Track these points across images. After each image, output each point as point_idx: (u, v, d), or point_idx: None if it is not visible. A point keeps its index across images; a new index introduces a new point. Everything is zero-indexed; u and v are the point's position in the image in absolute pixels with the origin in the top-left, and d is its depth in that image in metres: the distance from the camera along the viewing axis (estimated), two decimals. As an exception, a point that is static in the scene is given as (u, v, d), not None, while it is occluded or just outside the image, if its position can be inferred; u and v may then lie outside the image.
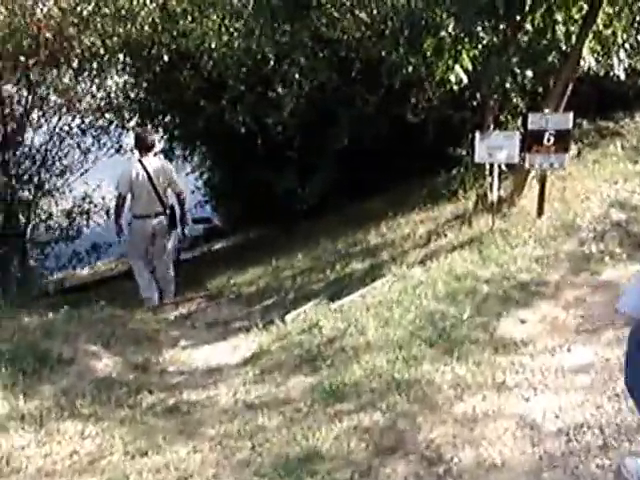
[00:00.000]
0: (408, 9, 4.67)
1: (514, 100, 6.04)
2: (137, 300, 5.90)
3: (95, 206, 7.96)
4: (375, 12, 5.02)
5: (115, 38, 6.14)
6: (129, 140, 8.13)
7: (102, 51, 6.18)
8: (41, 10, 5.34)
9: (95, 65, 6.67)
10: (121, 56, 7.16)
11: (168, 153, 8.67)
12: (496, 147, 5.12)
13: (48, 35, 5.56)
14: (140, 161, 5.43)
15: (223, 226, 13.24)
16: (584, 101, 6.08)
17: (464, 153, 6.14)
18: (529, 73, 4.79)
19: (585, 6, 4.75)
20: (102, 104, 7.70)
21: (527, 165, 5.12)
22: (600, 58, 5.22)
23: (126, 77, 7.92)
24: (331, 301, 4.46)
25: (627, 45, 5.15)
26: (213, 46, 6.41)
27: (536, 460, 2.38)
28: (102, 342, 3.72)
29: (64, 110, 7.07)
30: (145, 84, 7.90)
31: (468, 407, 2.73)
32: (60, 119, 7.38)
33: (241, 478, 2.44)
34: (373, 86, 6.27)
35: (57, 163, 7.65)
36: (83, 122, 7.76)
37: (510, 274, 4.16)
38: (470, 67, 4.92)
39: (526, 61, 5.06)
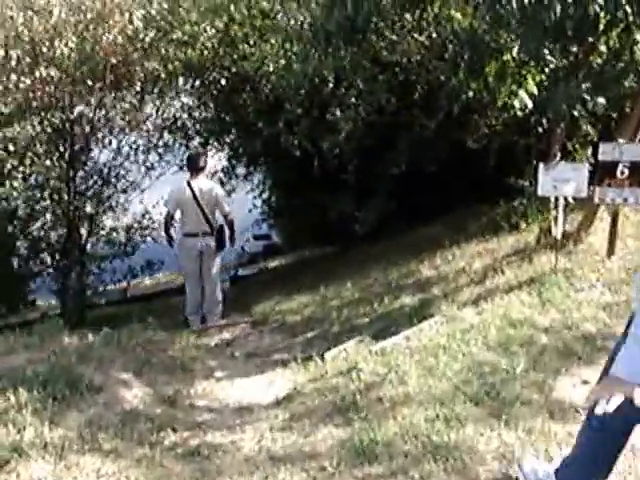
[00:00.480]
0: (470, 31, 4.40)
1: (584, 128, 5.63)
2: (185, 317, 5.91)
3: (153, 222, 8.09)
4: (435, 35, 4.79)
5: (176, 62, 6.22)
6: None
7: (164, 75, 6.27)
8: (107, 38, 5.50)
9: (158, 88, 6.79)
10: (182, 79, 7.31)
11: (230, 172, 8.77)
12: (562, 179, 4.73)
13: (113, 60, 5.74)
14: (188, 182, 5.54)
15: (281, 244, 13.34)
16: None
17: (527, 183, 5.76)
18: (601, 100, 4.39)
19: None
20: (167, 123, 7.86)
21: (597, 200, 4.71)
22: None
23: (190, 98, 8.08)
24: (375, 339, 4.23)
25: None
26: (271, 69, 6.38)
27: None
28: (135, 370, 3.65)
29: (129, 129, 7.22)
30: (207, 105, 8.03)
31: (513, 484, 2.42)
32: (125, 138, 7.56)
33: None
34: (433, 110, 6.03)
35: (121, 180, 7.84)
36: (149, 140, 7.95)
37: (573, 323, 3.79)
38: (536, 92, 4.59)
39: (598, 86, 4.67)
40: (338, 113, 6.40)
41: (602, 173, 4.60)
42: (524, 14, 3.59)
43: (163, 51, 6.25)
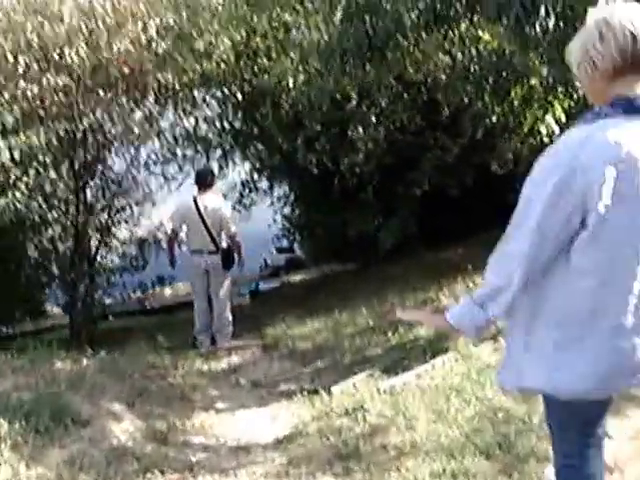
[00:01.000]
0: (496, 52, 4.18)
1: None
2: (194, 336, 5.75)
3: (166, 234, 7.96)
4: (460, 55, 4.58)
5: (191, 73, 6.09)
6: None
7: (178, 86, 6.14)
8: (118, 49, 5.38)
9: (174, 99, 6.67)
10: (202, 90, 7.20)
11: (250, 185, 8.65)
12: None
13: (126, 70, 5.61)
14: (195, 197, 5.37)
15: (304, 258, 13.20)
16: None
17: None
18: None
19: None
20: (188, 134, 7.74)
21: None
22: None
23: (210, 110, 7.98)
24: (386, 373, 4.01)
25: None
26: (291, 84, 6.23)
27: None
28: (129, 400, 3.47)
29: (144, 140, 7.10)
30: (228, 117, 7.93)
31: None
32: (140, 149, 7.46)
33: None
34: (457, 131, 5.82)
35: (136, 191, 7.73)
36: (169, 150, 7.84)
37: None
38: (563, 118, 4.34)
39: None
40: (359, 132, 6.23)
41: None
42: (553, 36, 3.36)
43: (180, 61, 6.09)
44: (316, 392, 3.85)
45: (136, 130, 6.74)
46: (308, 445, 3.11)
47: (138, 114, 6.61)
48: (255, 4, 6.57)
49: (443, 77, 5.31)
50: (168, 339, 6.21)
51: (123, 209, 7.47)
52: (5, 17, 5.45)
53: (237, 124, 8.00)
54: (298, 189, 9.10)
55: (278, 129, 6.93)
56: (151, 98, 6.31)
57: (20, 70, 5.11)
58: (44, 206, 5.73)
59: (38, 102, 5.30)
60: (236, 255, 5.50)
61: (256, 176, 8.69)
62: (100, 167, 6.99)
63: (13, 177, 5.16)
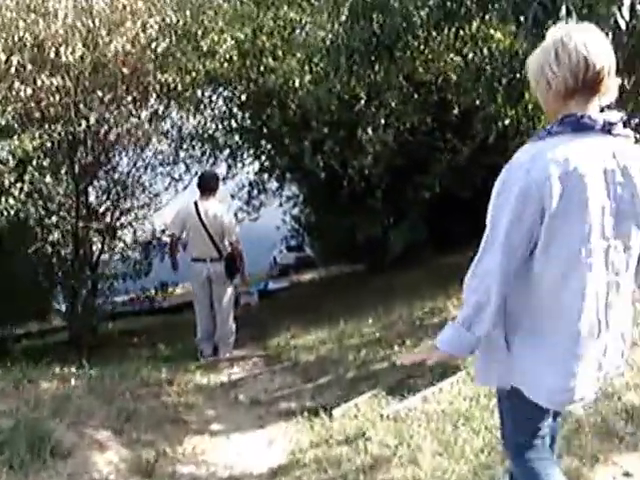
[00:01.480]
0: (509, 51, 3.92)
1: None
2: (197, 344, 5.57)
3: (170, 237, 7.79)
4: (471, 55, 4.33)
5: (194, 73, 5.88)
6: (221, 170, 8.01)
7: (180, 86, 5.93)
8: (117, 46, 5.17)
9: (176, 99, 6.48)
10: (207, 90, 7.01)
11: (259, 186, 8.45)
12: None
13: (125, 70, 5.42)
14: (196, 203, 5.18)
15: (313, 257, 13.07)
16: None
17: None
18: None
19: None
20: (196, 132, 7.55)
21: None
22: None
23: (216, 110, 7.78)
24: (390, 393, 3.79)
25: None
26: (297, 84, 6.01)
27: None
28: (116, 426, 3.26)
29: (146, 141, 6.93)
30: (236, 117, 7.72)
31: None
32: (144, 149, 7.29)
33: None
34: (468, 133, 5.56)
35: (140, 194, 7.57)
36: (176, 152, 7.67)
37: (614, 391, 3.26)
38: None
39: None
40: (367, 134, 5.99)
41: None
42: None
43: (182, 60, 5.89)
44: (317, 413, 3.64)
45: (139, 131, 6.58)
46: (304, 478, 2.91)
47: (141, 114, 6.43)
48: (260, 0, 6.36)
49: (454, 77, 5.06)
50: (170, 346, 6.06)
51: (128, 211, 7.32)
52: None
53: (245, 123, 7.80)
54: (308, 190, 8.90)
55: (285, 130, 6.73)
56: (154, 98, 6.11)
57: (13, 70, 4.92)
58: (41, 211, 5.56)
59: (33, 104, 5.11)
60: (238, 264, 5.31)
61: (265, 177, 8.48)
62: (103, 169, 6.84)
63: (7, 182, 4.97)
